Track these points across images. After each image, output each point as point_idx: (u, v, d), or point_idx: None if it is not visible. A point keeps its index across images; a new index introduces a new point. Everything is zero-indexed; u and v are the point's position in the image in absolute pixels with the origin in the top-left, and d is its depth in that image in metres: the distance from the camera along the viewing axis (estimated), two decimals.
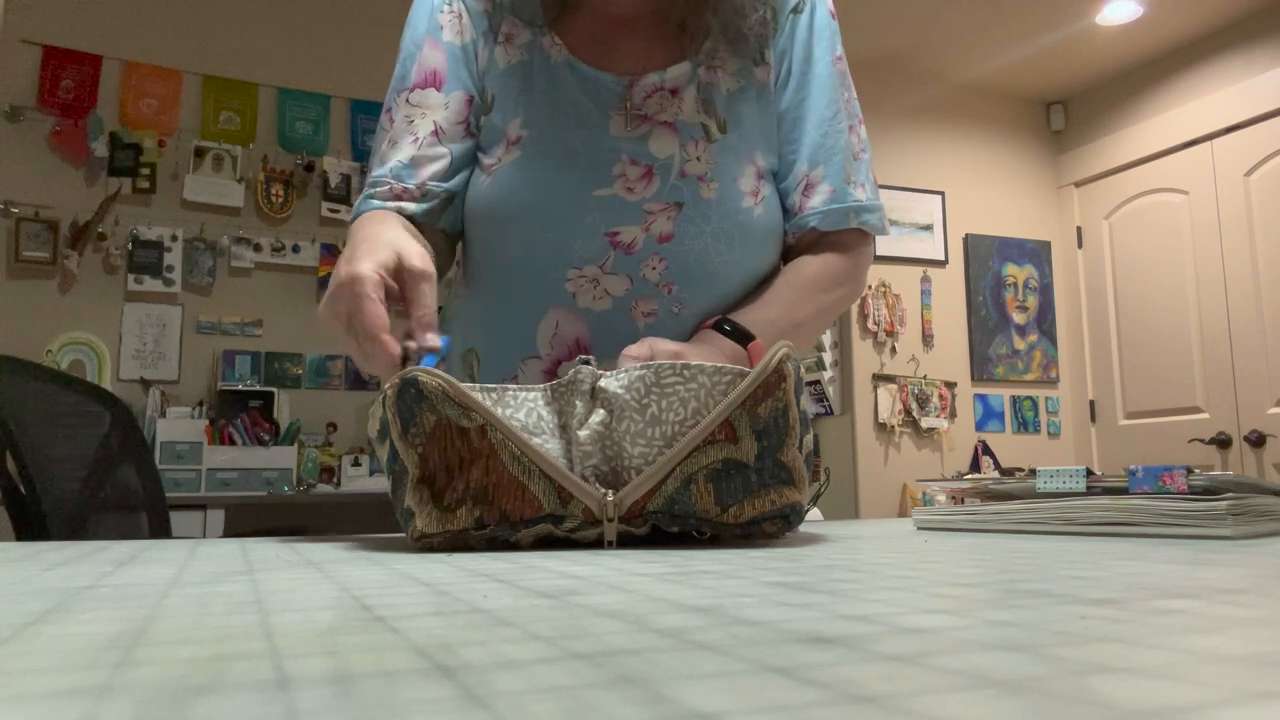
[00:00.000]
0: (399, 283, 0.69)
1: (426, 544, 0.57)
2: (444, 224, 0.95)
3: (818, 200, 0.93)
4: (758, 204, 0.91)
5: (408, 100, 0.93)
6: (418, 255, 0.70)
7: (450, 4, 0.94)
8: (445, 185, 0.93)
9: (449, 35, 0.94)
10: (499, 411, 0.58)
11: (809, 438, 0.62)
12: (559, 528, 0.56)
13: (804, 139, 0.94)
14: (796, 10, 0.96)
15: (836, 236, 0.94)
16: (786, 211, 0.95)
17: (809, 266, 0.93)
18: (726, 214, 0.89)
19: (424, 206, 0.92)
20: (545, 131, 0.90)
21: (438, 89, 0.93)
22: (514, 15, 0.94)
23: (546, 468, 0.55)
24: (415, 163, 0.92)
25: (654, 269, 0.88)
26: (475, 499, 0.56)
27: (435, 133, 0.92)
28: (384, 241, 0.71)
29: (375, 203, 0.91)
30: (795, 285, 0.91)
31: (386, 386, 0.58)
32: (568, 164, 0.89)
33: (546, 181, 0.89)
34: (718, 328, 0.84)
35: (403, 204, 0.91)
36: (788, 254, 0.97)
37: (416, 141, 0.92)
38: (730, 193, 0.90)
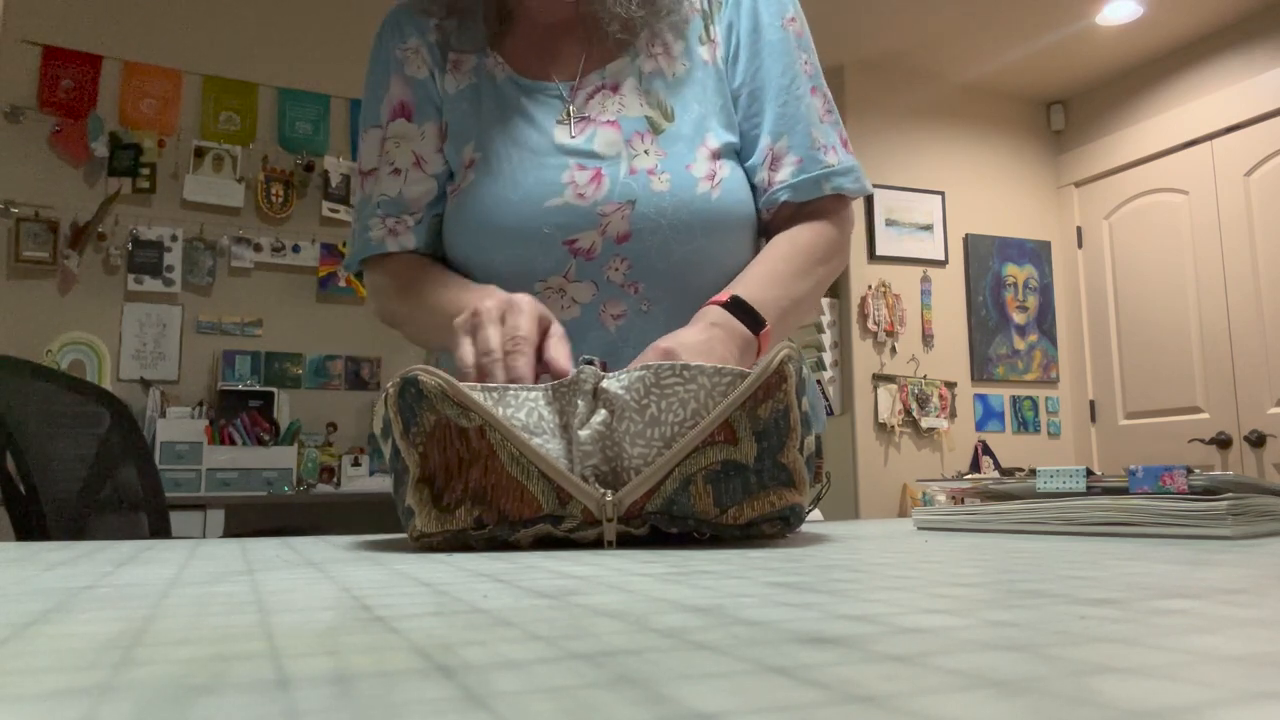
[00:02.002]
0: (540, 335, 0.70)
1: (426, 543, 0.57)
2: (439, 252, 0.96)
3: (785, 173, 0.91)
4: (715, 187, 0.89)
5: (383, 136, 0.95)
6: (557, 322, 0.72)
7: (406, 40, 0.96)
8: (434, 213, 0.95)
9: (411, 70, 0.95)
10: (499, 411, 0.58)
11: (810, 439, 0.61)
12: (558, 528, 0.56)
13: (764, 112, 0.92)
14: None
15: (814, 206, 0.91)
16: (756, 189, 0.92)
17: (801, 238, 0.90)
18: (682, 204, 0.87)
19: (420, 238, 0.94)
20: (494, 151, 0.91)
21: (408, 119, 0.95)
22: (460, 44, 0.95)
23: (545, 468, 0.55)
24: (402, 194, 0.94)
25: (617, 270, 0.87)
26: (474, 499, 0.56)
27: (417, 163, 0.94)
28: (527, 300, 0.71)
29: (373, 241, 0.93)
30: (791, 259, 0.88)
31: (389, 385, 0.58)
32: (518, 180, 0.89)
33: (500, 200, 0.89)
34: (729, 306, 0.80)
35: (400, 240, 0.93)
36: (766, 231, 0.94)
37: (400, 174, 0.94)
38: (683, 181, 0.88)
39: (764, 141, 0.92)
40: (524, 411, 0.59)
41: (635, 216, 0.87)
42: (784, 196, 0.91)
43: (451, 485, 0.56)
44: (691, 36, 0.93)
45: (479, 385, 0.59)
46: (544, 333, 0.69)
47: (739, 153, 0.93)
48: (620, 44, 0.93)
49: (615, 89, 0.91)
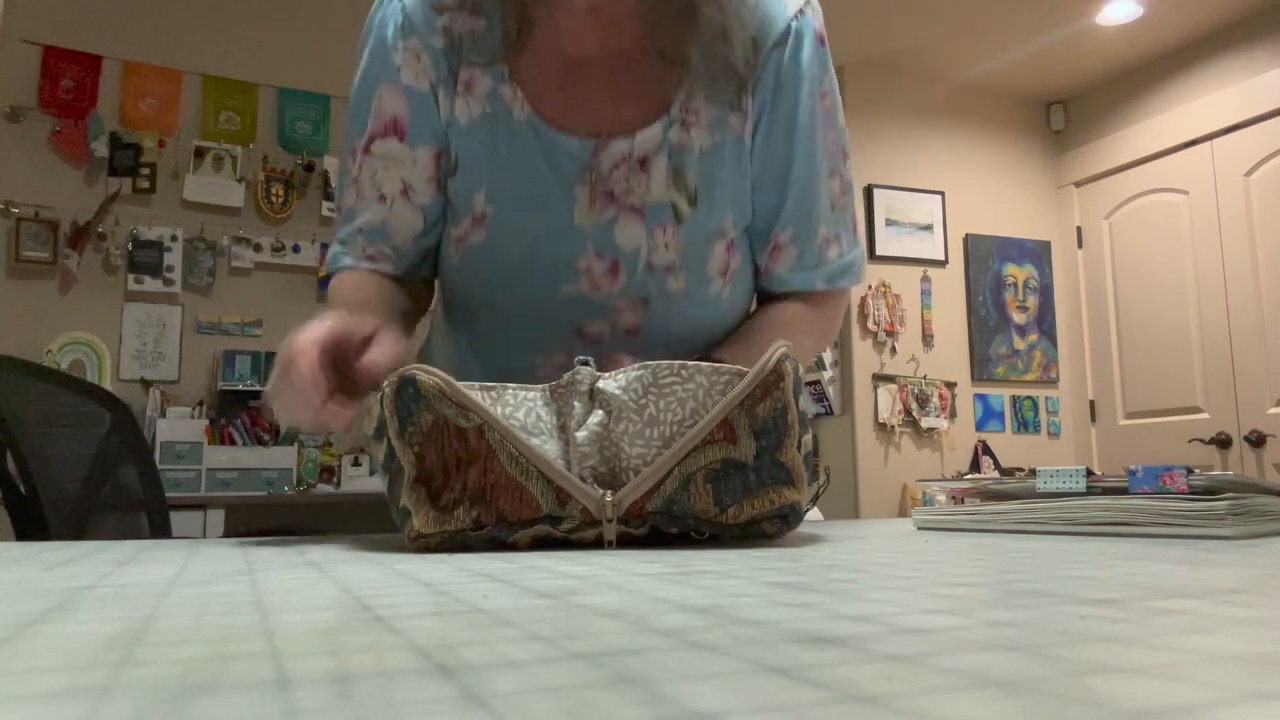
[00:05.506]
0: (348, 344, 0.66)
1: (423, 544, 0.56)
2: (424, 273, 0.93)
3: (783, 265, 0.90)
4: (726, 283, 0.88)
5: (369, 150, 0.87)
6: (359, 317, 0.68)
7: (406, 40, 0.85)
8: (422, 244, 0.89)
9: (408, 78, 0.85)
10: (498, 410, 0.58)
11: (808, 437, 0.61)
12: (557, 529, 0.56)
13: (779, 201, 0.88)
14: (779, 44, 0.85)
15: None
16: (755, 266, 0.92)
17: (789, 311, 0.90)
18: (694, 302, 0.86)
19: (401, 268, 0.90)
20: (509, 213, 0.85)
21: (400, 139, 0.86)
22: (471, 54, 0.84)
23: (545, 468, 0.55)
24: (387, 225, 0.87)
25: (620, 354, 0.86)
26: (473, 499, 0.55)
27: (404, 191, 0.87)
28: (331, 313, 0.67)
29: (349, 260, 0.88)
30: (780, 325, 0.88)
31: (385, 384, 0.57)
32: (532, 258, 0.85)
33: (512, 276, 0.86)
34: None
35: (378, 265, 0.89)
36: (758, 290, 0.94)
37: (385, 200, 0.87)
38: (698, 279, 0.86)
39: (772, 230, 0.89)
40: (522, 411, 0.59)
41: (648, 314, 0.86)
42: (775, 288, 0.91)
43: (450, 485, 0.56)
44: (724, 102, 0.85)
45: (476, 385, 0.58)
46: (362, 341, 0.66)
47: (748, 228, 0.90)
48: (653, 100, 0.84)
49: (644, 164, 0.84)
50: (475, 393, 0.57)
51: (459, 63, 0.84)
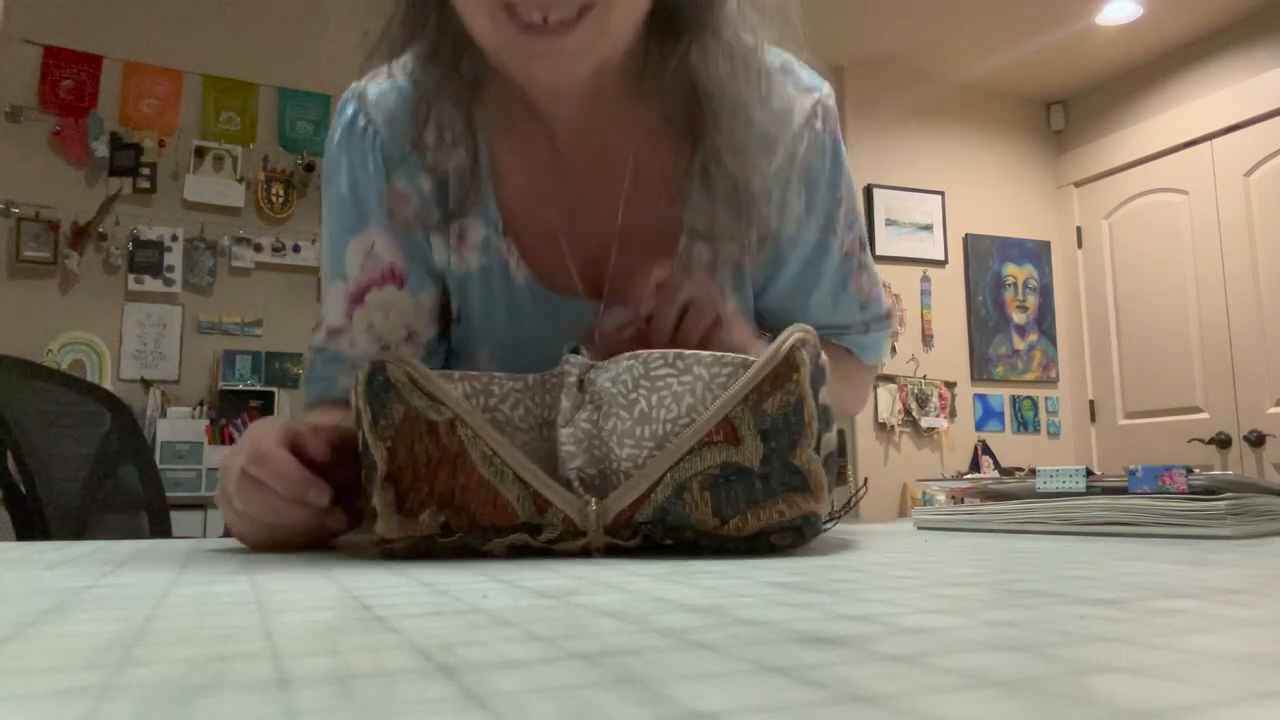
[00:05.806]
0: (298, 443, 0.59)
1: (388, 550, 0.51)
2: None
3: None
4: None
5: (364, 299, 0.80)
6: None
7: (392, 176, 0.78)
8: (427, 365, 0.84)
9: (399, 221, 0.79)
10: (479, 403, 0.52)
11: (830, 435, 0.54)
12: (536, 538, 0.50)
13: (785, 317, 0.81)
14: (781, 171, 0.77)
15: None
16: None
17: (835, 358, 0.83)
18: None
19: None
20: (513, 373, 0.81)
21: (400, 286, 0.79)
22: (459, 193, 0.77)
23: (521, 470, 0.49)
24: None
25: None
26: (441, 502, 0.50)
27: (409, 337, 0.81)
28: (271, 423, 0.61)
29: (337, 394, 0.82)
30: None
31: (358, 371, 0.53)
32: None
33: None
34: None
35: None
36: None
37: (388, 351, 0.81)
38: None
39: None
40: (509, 404, 0.53)
41: None
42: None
43: (416, 486, 0.50)
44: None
45: (457, 374, 0.53)
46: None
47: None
48: (653, 238, 0.78)
49: (648, 322, 0.79)
50: (455, 383, 0.52)
51: (448, 206, 0.78)
